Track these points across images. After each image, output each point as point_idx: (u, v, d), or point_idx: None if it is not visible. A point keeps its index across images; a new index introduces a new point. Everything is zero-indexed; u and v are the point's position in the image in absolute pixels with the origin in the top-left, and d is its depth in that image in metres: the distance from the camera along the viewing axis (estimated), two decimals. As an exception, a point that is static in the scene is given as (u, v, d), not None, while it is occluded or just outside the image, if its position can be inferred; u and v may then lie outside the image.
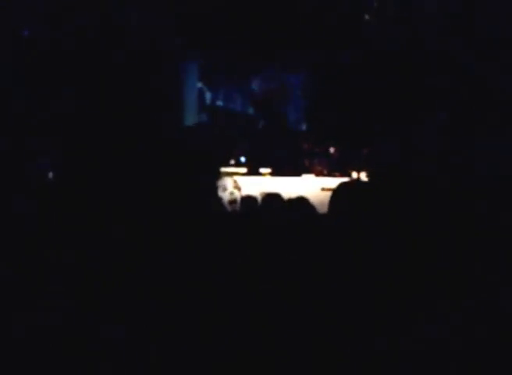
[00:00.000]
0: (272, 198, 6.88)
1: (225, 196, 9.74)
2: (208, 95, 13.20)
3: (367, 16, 10.25)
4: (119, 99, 9.41)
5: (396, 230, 2.31)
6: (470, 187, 2.36)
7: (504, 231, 2.27)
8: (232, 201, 9.69)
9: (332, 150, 11.40)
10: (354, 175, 10.51)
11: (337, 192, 2.97)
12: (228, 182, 10.05)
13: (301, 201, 4.99)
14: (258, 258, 2.62)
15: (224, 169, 10.54)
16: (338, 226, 2.80)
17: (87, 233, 2.42)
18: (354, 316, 2.27)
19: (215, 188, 2.97)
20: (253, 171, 10.94)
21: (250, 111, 13.09)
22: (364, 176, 10.24)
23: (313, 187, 9.83)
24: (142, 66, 10.11)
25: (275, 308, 2.36)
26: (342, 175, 10.37)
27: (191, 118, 12.77)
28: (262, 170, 10.99)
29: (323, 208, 3.75)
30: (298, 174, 10.68)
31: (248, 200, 7.08)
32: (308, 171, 10.99)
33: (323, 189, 9.74)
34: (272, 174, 10.88)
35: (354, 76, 11.28)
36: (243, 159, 11.58)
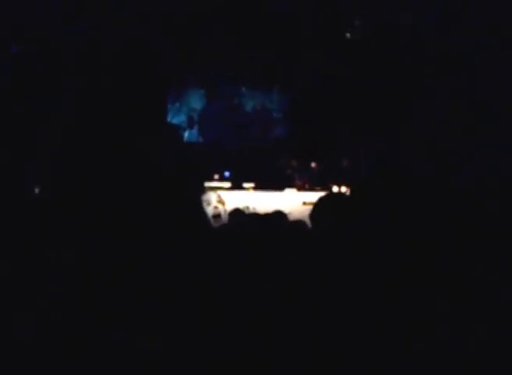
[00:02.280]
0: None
1: (209, 210, 9.71)
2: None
3: (348, 35, 10.27)
4: (105, 115, 9.37)
5: (395, 231, 2.26)
6: (469, 187, 2.32)
7: (504, 231, 2.22)
8: (216, 216, 9.66)
9: (313, 164, 11.40)
10: (335, 189, 10.51)
11: (319, 205, 2.93)
12: (212, 196, 10.03)
13: (279, 215, 4.97)
14: (257, 259, 2.57)
15: (208, 184, 10.52)
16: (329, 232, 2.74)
17: (86, 235, 2.35)
18: (354, 316, 2.21)
19: (199, 202, 2.89)
20: (236, 186, 10.92)
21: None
22: (344, 190, 10.25)
23: (295, 201, 9.83)
24: (132, 79, 10.06)
25: (275, 309, 2.30)
26: (323, 189, 10.37)
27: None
28: (246, 185, 10.97)
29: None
30: (281, 188, 10.66)
31: (236, 213, 7.03)
32: (291, 185, 10.99)
33: (304, 203, 9.73)
34: (256, 189, 10.85)
35: (336, 89, 11.31)
36: (227, 174, 11.54)
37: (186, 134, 12.90)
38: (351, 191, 2.47)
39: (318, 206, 3.22)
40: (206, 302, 2.29)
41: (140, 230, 2.34)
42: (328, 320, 2.23)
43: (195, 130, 13.04)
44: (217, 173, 11.45)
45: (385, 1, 9.60)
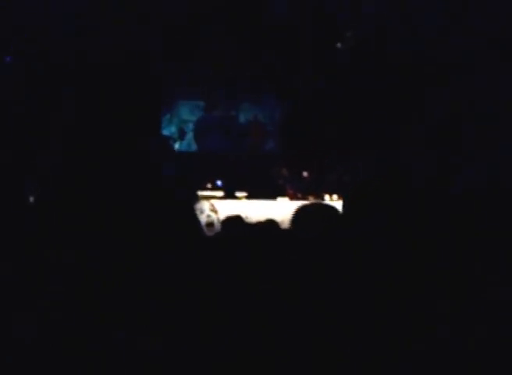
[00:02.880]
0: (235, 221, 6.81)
1: (202, 219, 9.67)
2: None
3: (339, 44, 10.29)
4: (104, 118, 9.34)
5: (395, 231, 2.24)
6: (469, 187, 2.31)
7: (504, 231, 2.21)
8: (209, 224, 9.62)
9: (305, 174, 11.39)
10: (327, 197, 10.50)
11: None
12: (205, 205, 10.00)
13: (271, 223, 4.96)
14: (254, 260, 2.55)
15: (201, 193, 10.50)
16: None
17: (86, 235, 2.33)
18: (354, 315, 2.19)
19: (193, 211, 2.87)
20: (229, 195, 10.90)
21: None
22: (336, 199, 10.25)
23: (287, 210, 9.79)
24: (125, 90, 10.04)
25: (274, 309, 2.28)
26: (315, 198, 10.37)
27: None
28: (238, 194, 10.95)
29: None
30: (273, 198, 10.65)
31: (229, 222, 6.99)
32: (283, 194, 10.98)
33: (296, 212, 9.68)
34: (248, 198, 10.84)
35: (331, 95, 11.33)
36: (219, 183, 11.53)
37: (176, 146, 12.92)
38: (351, 193, 2.45)
39: (302, 214, 3.20)
40: (205, 302, 2.27)
41: (140, 230, 2.32)
42: (328, 320, 2.21)
43: (185, 142, 13.06)
44: (209, 181, 11.44)
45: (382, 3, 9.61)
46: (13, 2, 8.97)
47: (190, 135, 13.14)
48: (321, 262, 2.34)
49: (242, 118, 13.29)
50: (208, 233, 7.75)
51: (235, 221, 6.93)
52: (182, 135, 13.03)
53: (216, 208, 10.04)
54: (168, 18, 10.27)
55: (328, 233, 2.77)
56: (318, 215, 2.85)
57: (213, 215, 10.00)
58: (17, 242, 2.31)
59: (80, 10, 9.30)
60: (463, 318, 2.12)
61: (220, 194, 10.95)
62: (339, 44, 10.21)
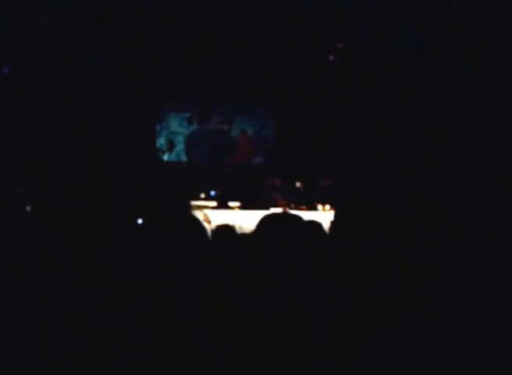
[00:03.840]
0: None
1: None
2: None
3: (331, 57, 10.32)
4: (94, 135, 9.35)
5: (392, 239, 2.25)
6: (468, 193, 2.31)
7: (504, 234, 2.21)
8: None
9: (298, 184, 11.39)
10: (320, 208, 10.50)
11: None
12: (198, 215, 9.95)
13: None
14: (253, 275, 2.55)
15: (194, 203, 10.48)
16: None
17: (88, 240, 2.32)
18: (354, 317, 2.19)
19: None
20: (222, 204, 10.88)
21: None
22: (328, 209, 10.24)
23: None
24: (118, 104, 10.05)
25: (274, 313, 2.27)
26: (308, 208, 10.36)
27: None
28: (231, 204, 10.93)
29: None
30: (266, 208, 10.61)
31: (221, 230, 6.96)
32: (276, 205, 10.94)
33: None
34: (241, 208, 10.81)
35: (319, 111, 11.36)
36: (213, 193, 11.51)
37: (165, 157, 12.93)
38: (344, 204, 2.44)
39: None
40: (205, 304, 2.26)
41: (141, 236, 2.32)
42: (328, 323, 2.20)
43: (174, 153, 13.07)
44: (203, 191, 11.42)
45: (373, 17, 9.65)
46: (7, 11, 8.98)
47: (179, 147, 13.13)
48: (317, 267, 2.34)
49: (234, 132, 13.33)
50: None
51: (225, 231, 6.91)
52: (171, 147, 13.03)
53: (209, 218, 10.02)
54: (162, 31, 10.29)
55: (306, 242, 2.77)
56: (282, 224, 2.84)
57: (206, 225, 9.95)
58: (15, 245, 2.31)
59: (75, 21, 9.31)
60: (463, 319, 2.12)
61: (213, 204, 10.93)
62: (331, 57, 10.25)
